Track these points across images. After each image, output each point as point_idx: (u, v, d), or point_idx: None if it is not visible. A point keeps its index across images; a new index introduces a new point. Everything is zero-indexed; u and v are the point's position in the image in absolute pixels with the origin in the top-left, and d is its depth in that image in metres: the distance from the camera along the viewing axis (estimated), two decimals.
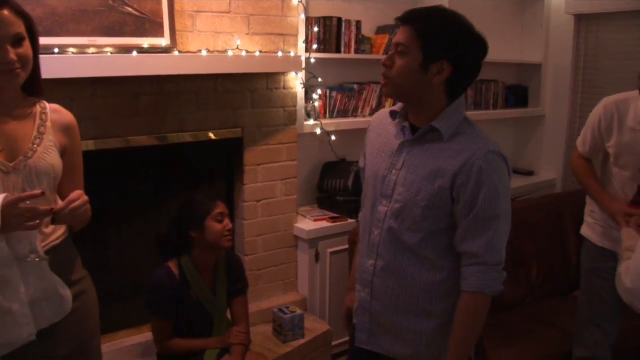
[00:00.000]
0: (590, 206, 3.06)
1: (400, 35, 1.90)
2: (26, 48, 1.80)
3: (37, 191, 1.74)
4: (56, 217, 1.80)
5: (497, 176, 1.90)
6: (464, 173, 1.88)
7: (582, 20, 5.24)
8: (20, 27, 1.77)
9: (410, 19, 1.89)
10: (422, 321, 2.06)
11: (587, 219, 3.06)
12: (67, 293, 1.97)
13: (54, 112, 2.01)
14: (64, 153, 2.01)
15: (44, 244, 1.89)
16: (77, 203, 1.82)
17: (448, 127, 1.93)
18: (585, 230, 3.07)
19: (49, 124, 1.96)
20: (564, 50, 5.33)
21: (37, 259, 1.83)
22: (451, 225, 1.97)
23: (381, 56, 4.27)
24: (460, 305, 1.97)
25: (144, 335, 3.39)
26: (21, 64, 1.78)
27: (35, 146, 1.89)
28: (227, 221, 2.82)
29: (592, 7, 5.02)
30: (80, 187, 2.12)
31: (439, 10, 1.92)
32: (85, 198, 1.87)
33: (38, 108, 1.95)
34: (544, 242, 4.13)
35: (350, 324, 2.37)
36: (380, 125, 2.15)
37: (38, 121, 1.94)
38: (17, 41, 1.77)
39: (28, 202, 1.71)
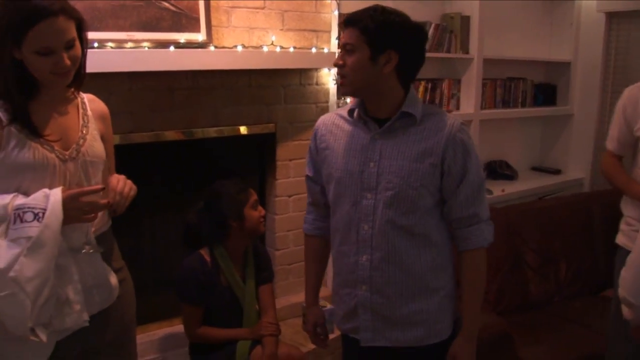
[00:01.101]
0: (628, 211, 2.96)
1: (346, 37, 2.02)
2: (76, 48, 1.80)
3: (99, 186, 1.82)
4: (113, 207, 1.88)
5: (473, 145, 2.09)
6: (450, 147, 2.02)
7: (613, 18, 5.21)
8: (72, 31, 1.78)
9: (352, 20, 2.01)
10: (429, 299, 2.12)
11: (624, 226, 2.98)
12: (115, 280, 2.01)
13: (90, 101, 2.04)
14: (102, 140, 2.03)
15: (93, 229, 1.92)
16: (121, 185, 1.91)
17: (417, 111, 2.05)
18: (621, 239, 2.98)
19: (89, 112, 2.00)
20: (594, 48, 5.30)
21: (91, 250, 1.88)
22: (440, 199, 2.09)
23: None
24: (467, 264, 2.14)
25: (175, 327, 3.42)
26: (72, 65, 1.80)
27: (85, 134, 1.93)
28: (260, 207, 2.87)
29: (624, 5, 4.98)
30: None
31: (376, 8, 2.02)
32: (123, 176, 1.95)
33: (78, 98, 1.99)
34: (572, 241, 4.12)
35: (319, 339, 2.47)
36: (333, 127, 2.19)
37: (81, 110, 1.97)
38: (69, 45, 1.78)
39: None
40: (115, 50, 2.90)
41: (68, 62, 1.76)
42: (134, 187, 1.97)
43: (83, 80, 1.96)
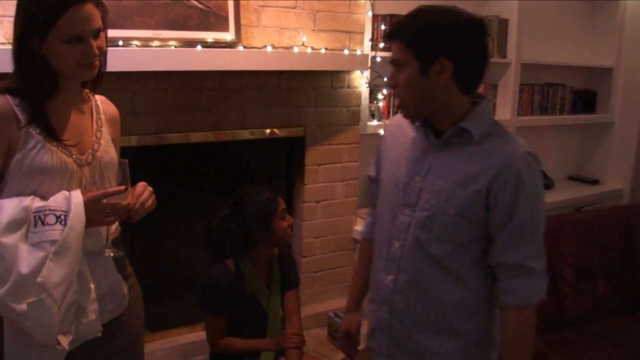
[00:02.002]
0: None
1: (392, 51, 1.80)
2: (102, 40, 1.77)
3: (122, 187, 1.76)
4: (130, 214, 1.81)
5: (535, 179, 1.78)
6: (502, 176, 1.74)
7: None
8: (99, 20, 1.75)
9: (395, 32, 1.80)
10: (448, 341, 1.87)
11: None
12: (126, 289, 1.97)
13: (102, 103, 1.98)
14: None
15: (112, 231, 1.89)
16: (145, 196, 1.83)
17: (477, 128, 1.78)
18: None
19: (102, 116, 1.95)
20: (638, 55, 5.12)
21: (112, 254, 1.85)
22: (483, 235, 1.81)
23: None
24: (509, 323, 1.80)
25: (197, 334, 3.37)
26: (99, 56, 1.77)
27: (99, 138, 1.89)
28: (288, 216, 2.75)
29: None
30: None
31: (418, 12, 1.78)
32: (150, 189, 1.86)
33: (92, 100, 1.94)
34: (611, 256, 3.95)
35: (348, 347, 2.27)
36: (398, 130, 2.00)
37: (94, 113, 1.92)
38: (97, 34, 1.75)
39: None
40: (140, 48, 2.85)
41: (96, 50, 1.73)
42: (156, 202, 1.89)
43: (102, 79, 1.90)
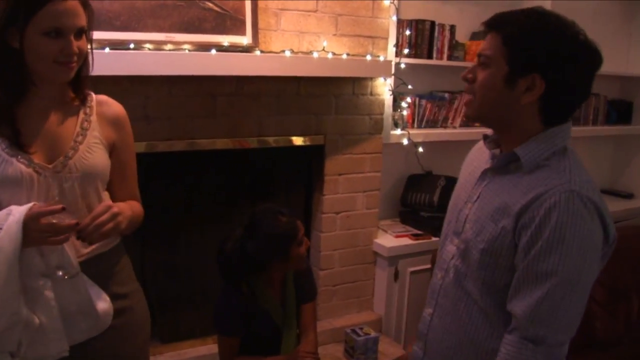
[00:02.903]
0: None
1: (483, 44, 1.56)
2: (84, 41, 1.72)
3: (58, 206, 1.60)
4: (81, 234, 1.66)
5: (571, 223, 1.44)
6: (530, 212, 1.47)
7: None
8: (84, 20, 1.70)
9: (495, 23, 1.54)
10: None
11: None
12: (106, 307, 1.84)
13: (100, 104, 1.88)
14: (112, 149, 1.90)
15: (87, 250, 1.79)
16: (103, 218, 1.68)
17: (532, 155, 1.54)
18: None
19: (93, 117, 1.84)
20: None
21: (66, 277, 1.71)
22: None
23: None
24: None
25: (208, 347, 3.30)
26: (78, 57, 1.71)
27: (77, 144, 1.78)
28: (305, 239, 2.60)
29: None
30: (133, 187, 2.02)
31: (532, 12, 1.52)
32: (114, 210, 1.71)
33: (85, 102, 1.86)
34: None
35: None
36: (478, 151, 1.82)
37: (82, 116, 1.83)
38: (79, 33, 1.70)
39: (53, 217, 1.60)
40: (153, 52, 2.77)
41: (76, 49, 1.68)
42: (121, 222, 1.74)
43: (84, 82, 1.83)
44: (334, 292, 3.65)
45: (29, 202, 1.64)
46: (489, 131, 1.72)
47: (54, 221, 1.60)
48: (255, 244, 2.47)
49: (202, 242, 3.35)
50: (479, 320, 1.62)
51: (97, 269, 1.83)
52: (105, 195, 1.90)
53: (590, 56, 1.50)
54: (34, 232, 1.59)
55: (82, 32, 1.70)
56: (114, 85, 1.94)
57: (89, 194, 1.81)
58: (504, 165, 1.60)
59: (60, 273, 1.70)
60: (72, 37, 1.66)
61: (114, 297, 1.88)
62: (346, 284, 3.70)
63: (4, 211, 1.62)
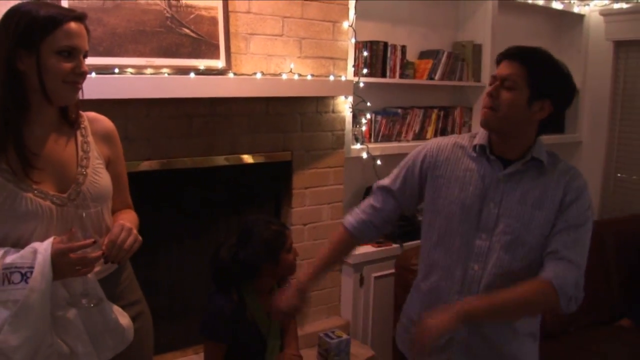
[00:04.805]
0: None
1: (506, 69, 1.96)
2: (85, 64, 1.80)
3: (89, 240, 1.67)
4: (108, 259, 1.74)
5: (586, 190, 2.02)
6: (569, 194, 1.98)
7: (621, 46, 5.23)
8: (87, 44, 1.78)
9: (518, 55, 1.96)
10: (524, 342, 2.13)
11: None
12: (128, 321, 1.93)
13: (92, 121, 1.95)
14: (108, 164, 1.96)
15: (107, 265, 1.85)
16: (121, 237, 1.76)
17: (544, 157, 2.02)
18: None
19: (90, 138, 1.90)
20: (602, 76, 5.32)
21: (92, 305, 1.78)
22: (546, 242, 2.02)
23: (424, 81, 4.29)
24: (529, 282, 1.92)
25: (189, 358, 3.39)
26: (84, 77, 1.79)
27: (84, 169, 1.84)
28: (294, 249, 2.77)
29: (632, 33, 5.02)
30: (126, 196, 2.11)
31: (543, 51, 2.00)
32: (128, 226, 1.79)
33: (79, 125, 1.90)
34: (586, 270, 4.06)
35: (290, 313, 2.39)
36: (452, 157, 2.15)
37: (80, 138, 1.88)
38: (84, 56, 1.78)
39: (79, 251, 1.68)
40: (135, 76, 2.86)
41: (86, 69, 1.77)
42: (139, 238, 1.82)
43: (77, 105, 1.89)
44: None
45: (48, 233, 1.71)
46: (480, 141, 2.09)
47: (83, 254, 1.66)
48: (248, 249, 2.64)
49: (181, 257, 3.46)
50: None
51: (115, 282, 1.93)
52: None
53: (574, 89, 2.03)
54: (64, 267, 1.65)
55: (86, 56, 1.77)
56: (97, 108, 2.03)
57: (103, 214, 1.87)
58: (519, 167, 2.01)
59: (85, 301, 1.75)
60: (81, 57, 1.74)
61: (130, 304, 1.98)
62: (315, 291, 3.79)
63: (28, 249, 1.65)
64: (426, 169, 2.20)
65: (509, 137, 2.03)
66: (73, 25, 1.71)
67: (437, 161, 2.17)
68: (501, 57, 2.00)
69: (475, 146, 2.09)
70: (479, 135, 2.10)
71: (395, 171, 2.32)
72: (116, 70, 2.80)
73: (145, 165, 3.07)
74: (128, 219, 1.95)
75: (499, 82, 1.97)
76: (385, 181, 2.32)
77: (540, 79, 1.93)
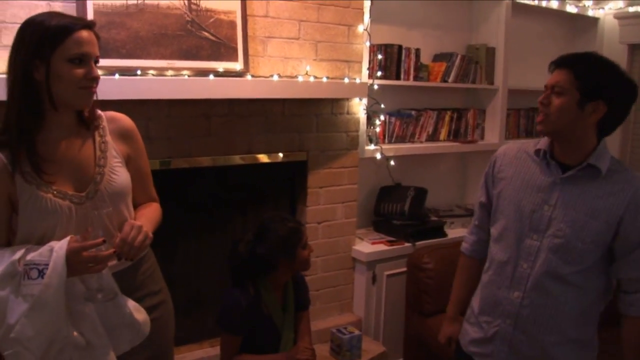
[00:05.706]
0: None
1: (555, 77, 2.03)
2: (97, 69, 1.87)
3: (99, 240, 1.76)
4: (120, 256, 1.81)
5: None
6: (632, 210, 1.99)
7: (636, 49, 5.27)
8: (97, 51, 1.86)
9: (567, 62, 2.03)
10: (571, 348, 2.13)
11: None
12: (144, 317, 1.99)
13: (110, 121, 2.01)
14: (128, 161, 2.02)
15: (122, 261, 1.89)
16: (132, 234, 1.83)
17: (605, 165, 2.04)
18: None
19: (108, 138, 1.97)
20: None
21: (107, 300, 1.86)
22: (606, 254, 2.07)
23: (438, 83, 4.35)
24: (630, 330, 2.09)
25: (205, 351, 3.46)
26: (97, 81, 1.86)
27: (101, 168, 1.92)
28: (309, 246, 2.86)
29: None
30: (151, 190, 2.19)
31: (592, 55, 2.04)
32: (138, 224, 1.86)
33: (97, 124, 1.97)
34: None
35: (449, 350, 2.52)
36: (515, 161, 2.25)
37: (98, 138, 1.95)
38: (95, 62, 1.85)
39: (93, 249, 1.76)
40: (156, 77, 2.95)
41: (97, 74, 1.84)
42: (150, 235, 1.90)
43: (94, 106, 1.95)
44: (317, 297, 3.86)
45: (67, 232, 1.80)
46: (540, 145, 2.17)
47: (95, 252, 1.75)
48: (265, 245, 2.73)
49: (198, 252, 3.54)
50: (568, 292, 2.07)
51: (133, 274, 2.01)
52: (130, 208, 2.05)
53: (634, 87, 2.03)
54: (78, 264, 1.74)
55: (97, 61, 1.85)
56: (119, 108, 2.10)
57: (122, 211, 1.96)
58: (577, 173, 2.05)
59: (100, 296, 1.84)
60: (92, 63, 1.82)
61: (151, 294, 2.06)
62: (328, 288, 3.91)
63: (46, 247, 1.75)
64: (495, 172, 2.32)
65: (568, 142, 2.07)
66: (83, 33, 1.80)
67: (503, 164, 2.30)
68: (553, 66, 2.07)
69: (537, 151, 2.18)
70: (542, 140, 2.19)
71: (481, 182, 2.43)
72: (138, 72, 2.89)
73: (166, 164, 3.16)
74: (146, 214, 2.04)
75: (550, 90, 2.04)
76: (478, 194, 2.45)
77: (588, 80, 1.97)
